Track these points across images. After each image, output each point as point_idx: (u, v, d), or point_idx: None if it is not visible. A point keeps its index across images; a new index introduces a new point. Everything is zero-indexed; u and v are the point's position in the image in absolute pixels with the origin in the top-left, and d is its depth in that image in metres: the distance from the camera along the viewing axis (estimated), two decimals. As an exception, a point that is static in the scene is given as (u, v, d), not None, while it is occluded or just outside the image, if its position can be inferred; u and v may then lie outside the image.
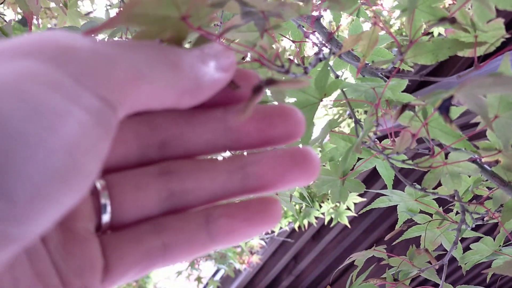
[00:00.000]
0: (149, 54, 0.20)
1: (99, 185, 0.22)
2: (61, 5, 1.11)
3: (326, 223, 2.11)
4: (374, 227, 2.98)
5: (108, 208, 0.23)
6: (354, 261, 2.04)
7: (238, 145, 0.25)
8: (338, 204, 1.96)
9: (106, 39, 0.21)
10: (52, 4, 1.26)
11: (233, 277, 3.43)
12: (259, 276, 3.52)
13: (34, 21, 0.84)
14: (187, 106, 0.22)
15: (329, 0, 0.32)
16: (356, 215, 1.93)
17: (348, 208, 1.93)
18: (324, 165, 0.60)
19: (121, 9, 0.24)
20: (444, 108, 0.35)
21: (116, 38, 0.91)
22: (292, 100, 0.48)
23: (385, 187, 0.65)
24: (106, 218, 0.22)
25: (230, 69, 0.24)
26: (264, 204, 0.24)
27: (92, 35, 0.24)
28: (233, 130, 0.25)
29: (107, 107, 0.17)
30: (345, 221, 2.01)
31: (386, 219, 2.93)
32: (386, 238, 0.58)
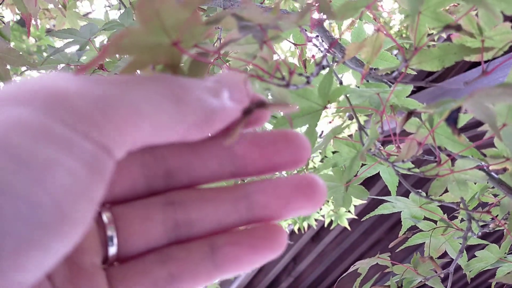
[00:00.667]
0: (151, 89, 0.19)
1: (105, 218, 0.22)
2: (59, 6, 1.10)
3: (326, 225, 2.10)
4: (373, 229, 2.97)
5: (115, 241, 0.22)
6: (352, 263, 2.02)
7: (244, 172, 0.25)
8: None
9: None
10: (51, 5, 1.25)
11: (232, 279, 3.42)
12: (258, 278, 3.52)
13: (33, 22, 0.83)
14: (195, 139, 0.22)
15: (324, 13, 0.31)
16: (355, 217, 1.92)
17: (348, 211, 1.92)
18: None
19: (109, 42, 0.23)
20: (452, 120, 0.34)
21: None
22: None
23: (384, 190, 0.64)
24: (113, 250, 0.22)
25: (243, 100, 0.23)
26: (269, 231, 0.24)
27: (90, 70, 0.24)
28: (239, 157, 0.24)
29: (102, 152, 0.16)
30: (345, 224, 2.00)
31: (385, 221, 2.92)
32: (390, 245, 0.57)
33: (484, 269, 0.60)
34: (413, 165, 0.46)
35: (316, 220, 2.22)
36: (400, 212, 0.68)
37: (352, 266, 0.58)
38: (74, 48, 0.81)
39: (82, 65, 0.23)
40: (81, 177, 0.16)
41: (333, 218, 2.00)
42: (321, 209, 2.04)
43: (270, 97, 0.46)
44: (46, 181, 0.15)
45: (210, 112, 0.21)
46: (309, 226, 2.37)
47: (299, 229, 2.33)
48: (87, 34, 0.73)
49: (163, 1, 0.23)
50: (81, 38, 0.72)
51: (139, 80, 0.20)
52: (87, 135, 0.16)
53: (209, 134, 0.22)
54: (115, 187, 0.23)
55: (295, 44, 0.75)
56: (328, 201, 2.01)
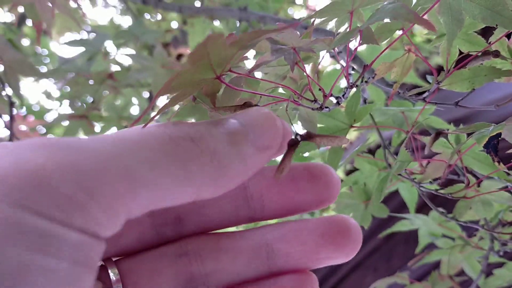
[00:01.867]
0: (153, 147, 0.16)
1: (112, 275, 0.21)
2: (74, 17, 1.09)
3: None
4: (370, 237, 2.97)
5: None
6: (350, 270, 2.02)
7: (262, 216, 0.22)
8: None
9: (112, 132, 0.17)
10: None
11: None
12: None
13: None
14: (209, 197, 0.18)
15: (367, 42, 0.31)
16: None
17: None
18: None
19: (163, 87, 0.22)
20: (492, 147, 0.34)
21: (126, 51, 0.89)
22: (320, 126, 0.47)
23: (399, 207, 0.64)
24: None
25: (272, 146, 0.20)
26: (297, 283, 0.21)
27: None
28: (255, 198, 0.22)
29: (88, 239, 0.14)
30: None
31: (382, 229, 2.92)
32: (410, 264, 0.57)
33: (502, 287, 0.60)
34: (439, 187, 0.46)
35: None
36: (398, 219, 0.68)
37: (372, 285, 0.57)
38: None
39: (143, 112, 0.22)
40: (64, 276, 0.13)
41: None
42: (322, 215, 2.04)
43: (297, 117, 0.46)
44: None
45: (227, 166, 0.18)
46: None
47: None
48: (99, 44, 0.72)
49: (214, 43, 0.23)
50: (93, 48, 0.71)
51: (138, 137, 0.16)
52: (69, 224, 0.13)
53: (225, 191, 0.19)
54: (121, 239, 0.21)
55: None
56: (329, 207, 2.00)
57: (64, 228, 0.13)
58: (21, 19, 1.34)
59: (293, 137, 0.28)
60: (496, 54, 0.35)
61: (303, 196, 0.22)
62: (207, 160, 0.17)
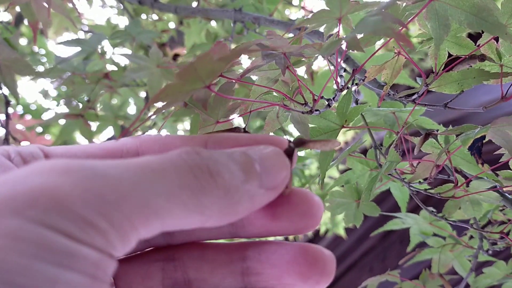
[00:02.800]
0: (169, 177, 0.17)
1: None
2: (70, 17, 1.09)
3: (321, 233, 2.11)
4: (365, 236, 2.98)
5: None
6: (345, 270, 2.03)
7: (243, 233, 0.23)
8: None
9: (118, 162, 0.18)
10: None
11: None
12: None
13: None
14: (212, 226, 0.19)
15: (353, 49, 0.32)
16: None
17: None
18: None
19: (152, 98, 0.24)
20: (476, 149, 0.35)
21: (124, 50, 0.90)
22: (312, 126, 0.48)
23: (393, 207, 0.65)
24: None
25: (280, 187, 0.20)
26: None
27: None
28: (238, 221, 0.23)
29: (105, 258, 0.15)
30: (342, 232, 2.00)
31: (378, 228, 2.94)
32: (400, 263, 0.58)
33: (491, 286, 0.61)
34: (429, 186, 0.47)
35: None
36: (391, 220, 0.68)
37: (363, 283, 0.58)
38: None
39: (124, 131, 0.24)
40: None
41: (329, 227, 2.01)
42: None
43: (289, 119, 0.46)
44: None
45: (237, 202, 0.18)
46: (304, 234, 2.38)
47: (295, 238, 2.33)
48: (95, 44, 0.73)
49: (202, 61, 0.24)
50: (89, 47, 0.72)
51: (158, 166, 0.17)
52: (91, 244, 0.15)
53: (229, 223, 0.20)
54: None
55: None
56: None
57: (87, 247, 0.15)
58: (19, 19, 1.34)
59: (287, 146, 0.28)
60: (482, 58, 0.36)
61: (280, 223, 0.22)
62: (221, 195, 0.18)
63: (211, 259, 0.23)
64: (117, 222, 0.15)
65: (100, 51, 0.79)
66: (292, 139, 0.29)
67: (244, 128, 0.35)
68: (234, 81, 0.37)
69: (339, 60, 0.50)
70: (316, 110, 0.40)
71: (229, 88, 0.37)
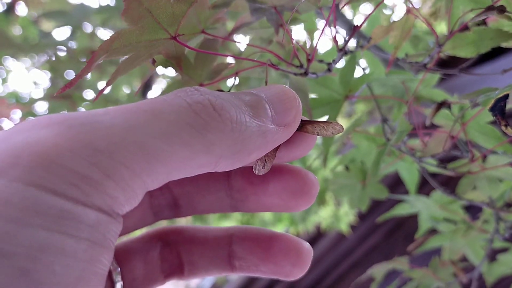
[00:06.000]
0: (167, 117, 0.15)
1: (111, 266, 0.21)
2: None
3: (324, 229, 2.07)
4: (369, 234, 2.94)
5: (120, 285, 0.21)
6: (348, 269, 2.00)
7: (243, 207, 0.23)
8: (338, 206, 1.91)
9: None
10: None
11: (226, 283, 3.38)
12: (252, 283, 3.48)
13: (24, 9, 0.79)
14: (225, 170, 0.18)
15: None
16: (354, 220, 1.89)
17: (348, 213, 1.88)
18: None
19: (99, 48, 0.21)
20: (499, 109, 0.31)
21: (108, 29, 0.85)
22: (313, 96, 0.44)
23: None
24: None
25: (291, 124, 0.19)
26: None
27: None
28: (236, 191, 0.23)
29: (106, 217, 0.13)
30: (344, 228, 1.96)
31: (381, 226, 2.89)
32: (409, 249, 0.54)
33: (507, 274, 0.57)
34: (436, 162, 0.43)
35: (313, 223, 2.19)
36: (397, 217, 0.64)
37: (369, 269, 0.54)
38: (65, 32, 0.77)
39: (78, 74, 0.21)
40: (82, 257, 0.12)
41: (331, 222, 1.97)
42: (320, 209, 2.01)
43: (288, 85, 0.42)
44: (39, 275, 0.11)
45: (246, 141, 0.17)
46: (305, 230, 2.34)
47: (298, 234, 2.30)
48: (80, 16, 0.68)
49: (155, 2, 0.21)
50: (73, 21, 0.67)
51: (153, 107, 0.15)
52: (86, 203, 0.13)
53: (242, 166, 0.19)
54: (126, 220, 0.21)
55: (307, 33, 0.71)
56: (326, 203, 1.97)
57: (81, 207, 0.13)
58: (10, 8, 1.31)
59: None
60: (502, 9, 0.32)
61: (272, 199, 0.22)
62: (228, 130, 0.16)
63: (201, 242, 0.23)
64: (113, 171, 0.13)
65: (91, 33, 0.75)
66: None
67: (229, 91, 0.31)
68: (218, 38, 0.33)
69: (345, 31, 0.47)
70: (313, 73, 0.36)
71: (212, 46, 0.33)
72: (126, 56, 0.23)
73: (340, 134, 0.24)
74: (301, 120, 0.22)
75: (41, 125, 0.14)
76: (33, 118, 0.15)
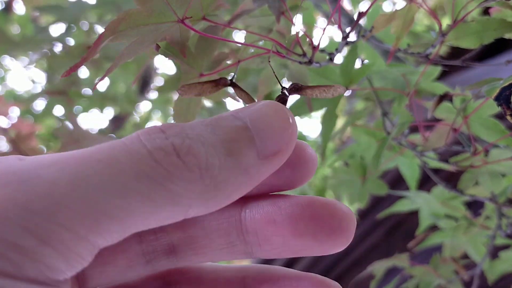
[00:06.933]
0: (125, 169, 0.13)
1: None
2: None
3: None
4: (368, 233, 2.93)
5: None
6: (348, 268, 1.99)
7: (259, 252, 0.20)
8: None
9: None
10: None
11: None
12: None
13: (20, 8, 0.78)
14: (201, 215, 0.15)
15: None
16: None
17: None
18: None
19: (106, 28, 0.20)
20: (504, 99, 0.30)
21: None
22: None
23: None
24: None
25: (283, 151, 0.16)
26: None
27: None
28: (251, 232, 0.19)
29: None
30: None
31: (381, 224, 2.88)
32: (410, 246, 0.53)
33: (509, 272, 0.56)
34: (437, 156, 0.42)
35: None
36: (398, 215, 0.63)
37: (369, 266, 0.53)
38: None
39: (75, 65, 0.20)
40: None
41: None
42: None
43: (286, 75, 0.41)
44: None
45: (221, 184, 0.15)
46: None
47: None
48: (77, 11, 0.67)
49: None
50: (70, 16, 0.66)
51: (107, 155, 0.13)
52: (18, 276, 0.11)
53: (218, 208, 0.16)
54: (108, 269, 0.18)
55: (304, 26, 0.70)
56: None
57: (10, 280, 0.11)
58: (8, 6, 1.30)
59: (280, 93, 0.25)
60: (509, -4, 0.31)
61: (305, 241, 0.18)
62: (195, 178, 0.14)
63: (209, 283, 0.20)
64: (51, 235, 0.12)
65: (88, 29, 0.74)
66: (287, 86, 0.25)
67: (232, 80, 0.30)
68: (220, 25, 0.32)
69: (344, 22, 0.46)
70: (316, 63, 0.35)
71: (214, 32, 0.32)
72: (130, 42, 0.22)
73: (342, 94, 0.22)
74: (301, 85, 0.20)
75: None
76: None
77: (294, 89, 0.25)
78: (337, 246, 0.18)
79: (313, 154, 0.19)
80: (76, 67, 0.22)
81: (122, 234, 0.13)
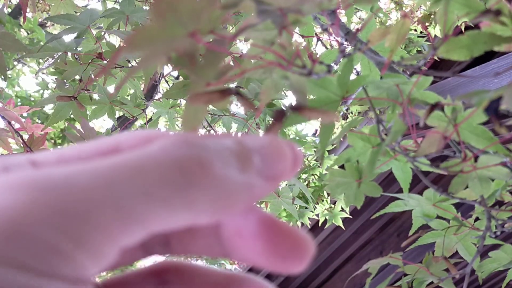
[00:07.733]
0: (154, 177, 0.14)
1: None
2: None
3: (320, 224, 2.09)
4: (364, 229, 2.96)
5: None
6: (343, 262, 2.02)
7: (235, 257, 0.21)
8: (332, 205, 1.93)
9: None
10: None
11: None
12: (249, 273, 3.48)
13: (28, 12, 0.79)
14: (202, 224, 0.17)
15: None
16: (350, 216, 1.91)
17: (342, 209, 1.90)
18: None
19: (124, 42, 0.21)
20: (493, 110, 0.32)
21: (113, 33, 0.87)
22: (311, 97, 0.45)
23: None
24: None
25: (281, 176, 0.18)
26: None
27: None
28: (226, 241, 0.20)
29: (71, 286, 0.13)
30: (339, 223, 1.98)
31: (377, 220, 2.91)
32: (403, 245, 0.55)
33: (498, 271, 0.58)
34: (429, 162, 0.44)
35: (309, 218, 2.20)
36: (391, 212, 0.66)
37: (364, 265, 0.55)
38: (72, 36, 0.78)
39: (100, 71, 0.21)
40: None
41: (327, 217, 1.98)
42: (315, 208, 2.02)
43: (287, 85, 0.43)
44: None
45: (230, 197, 0.16)
46: (302, 225, 2.36)
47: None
48: (87, 20, 0.69)
49: None
50: (80, 24, 0.69)
51: (136, 164, 0.15)
52: (53, 275, 0.12)
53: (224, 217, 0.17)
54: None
55: (302, 36, 0.72)
56: (323, 200, 1.99)
57: (47, 279, 0.12)
58: (17, 11, 1.31)
59: (280, 109, 0.27)
60: (497, 12, 0.33)
61: (260, 260, 0.20)
62: (213, 186, 0.15)
63: (199, 283, 0.21)
64: (86, 240, 0.13)
65: (95, 34, 0.76)
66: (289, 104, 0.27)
67: (237, 90, 0.32)
68: (227, 39, 0.34)
69: (342, 35, 0.48)
70: (315, 74, 0.37)
71: (221, 45, 0.34)
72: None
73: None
74: (301, 105, 0.22)
75: (9, 188, 0.13)
76: (2, 177, 0.13)
77: (296, 107, 0.27)
78: (289, 269, 0.19)
79: (310, 248, 0.19)
80: (99, 75, 0.24)
81: (141, 235, 0.15)
